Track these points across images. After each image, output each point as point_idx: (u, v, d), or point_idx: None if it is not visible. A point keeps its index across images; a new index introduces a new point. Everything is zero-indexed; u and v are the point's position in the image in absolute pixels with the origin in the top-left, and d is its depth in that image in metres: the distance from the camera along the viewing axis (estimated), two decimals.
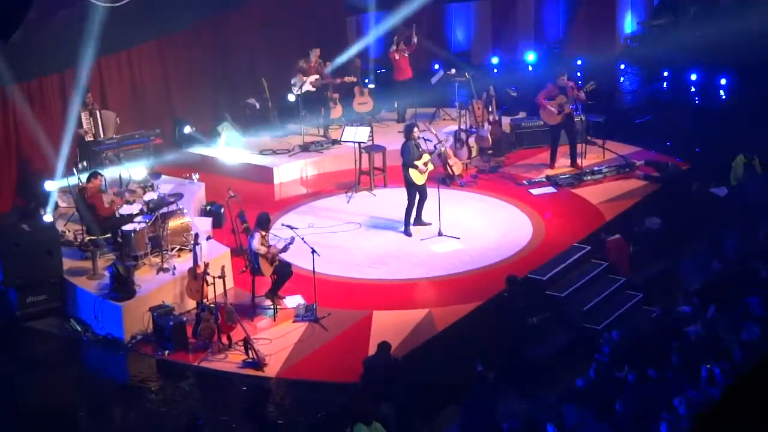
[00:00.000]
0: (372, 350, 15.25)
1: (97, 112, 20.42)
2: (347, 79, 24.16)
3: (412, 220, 19.55)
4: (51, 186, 19.25)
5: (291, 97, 24.09)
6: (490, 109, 23.05)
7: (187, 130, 23.18)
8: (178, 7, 22.13)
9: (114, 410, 15.12)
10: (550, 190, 21.32)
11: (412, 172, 19.21)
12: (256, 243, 16.65)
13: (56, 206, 19.04)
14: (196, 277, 16.37)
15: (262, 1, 24.77)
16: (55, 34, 17.86)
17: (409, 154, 19.24)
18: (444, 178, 20.98)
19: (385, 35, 27.55)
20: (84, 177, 18.73)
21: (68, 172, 19.51)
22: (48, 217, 18.31)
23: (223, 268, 16.26)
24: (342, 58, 24.66)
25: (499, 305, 16.62)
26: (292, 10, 25.19)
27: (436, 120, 24.70)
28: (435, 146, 20.08)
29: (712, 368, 12.96)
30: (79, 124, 20.16)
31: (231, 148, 23.30)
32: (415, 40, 24.53)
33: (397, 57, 24.60)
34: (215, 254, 17.58)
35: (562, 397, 13.64)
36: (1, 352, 16.32)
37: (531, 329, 16.49)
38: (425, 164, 19.25)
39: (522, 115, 24.57)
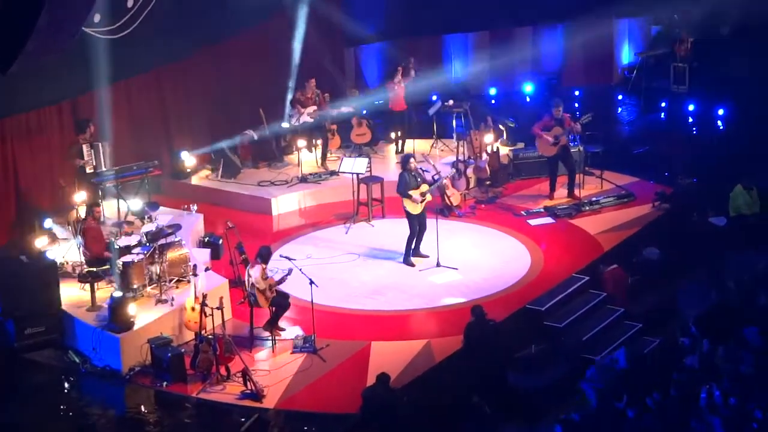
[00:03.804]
0: (371, 381, 15.23)
1: (99, 144, 20.38)
2: (344, 109, 24.20)
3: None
4: (50, 218, 19.25)
5: (285, 125, 24.14)
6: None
7: (185, 158, 23.14)
8: (176, 36, 22.17)
9: None
10: (549, 220, 21.31)
11: (405, 202, 19.21)
12: (256, 275, 16.64)
13: (55, 238, 19.00)
14: (194, 309, 16.35)
15: (261, 30, 24.80)
16: (54, 65, 17.87)
17: (403, 184, 19.23)
18: (442, 209, 21.00)
19: (383, 66, 27.68)
20: (83, 209, 18.77)
21: (67, 204, 19.55)
22: (49, 252, 18.27)
23: (221, 299, 16.29)
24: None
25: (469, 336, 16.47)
26: (291, 41, 25.20)
27: (434, 150, 24.70)
28: (436, 177, 20.09)
29: (712, 390, 12.92)
30: (80, 156, 20.12)
31: (228, 179, 23.31)
32: (413, 73, 24.57)
33: (396, 88, 24.64)
34: (213, 285, 17.58)
35: (561, 428, 13.58)
36: None
37: (528, 359, 16.46)
38: (422, 194, 19.22)
39: (520, 145, 24.57)
